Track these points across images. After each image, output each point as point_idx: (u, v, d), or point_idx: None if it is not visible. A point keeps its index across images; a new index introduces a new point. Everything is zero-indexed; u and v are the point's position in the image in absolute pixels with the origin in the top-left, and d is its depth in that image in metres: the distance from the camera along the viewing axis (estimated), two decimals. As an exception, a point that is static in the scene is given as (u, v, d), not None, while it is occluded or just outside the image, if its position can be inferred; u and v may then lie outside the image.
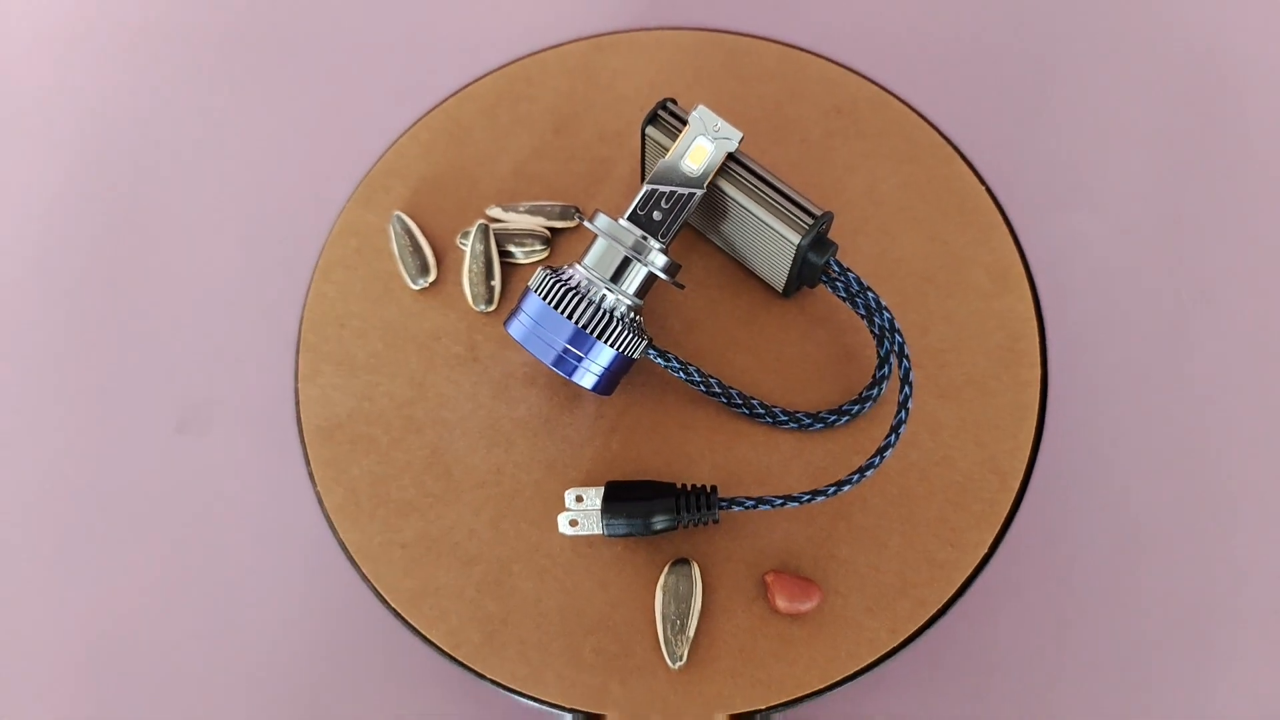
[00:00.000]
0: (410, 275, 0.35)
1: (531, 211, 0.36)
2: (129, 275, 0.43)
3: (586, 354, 0.31)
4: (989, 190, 0.37)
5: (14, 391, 0.41)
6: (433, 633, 0.31)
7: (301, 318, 0.35)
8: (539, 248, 0.36)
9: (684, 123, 0.33)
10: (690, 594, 0.31)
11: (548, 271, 0.32)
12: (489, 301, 0.35)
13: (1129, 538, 0.37)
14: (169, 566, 0.38)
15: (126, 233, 0.44)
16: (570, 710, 0.31)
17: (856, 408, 0.33)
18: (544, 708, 0.31)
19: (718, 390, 0.33)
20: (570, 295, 0.31)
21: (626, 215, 0.32)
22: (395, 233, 0.36)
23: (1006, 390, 0.34)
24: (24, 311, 0.43)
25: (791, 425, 0.33)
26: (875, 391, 0.33)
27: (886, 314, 0.32)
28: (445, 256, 0.36)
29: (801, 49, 0.39)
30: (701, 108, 0.32)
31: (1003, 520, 0.33)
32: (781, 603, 0.31)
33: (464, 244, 0.36)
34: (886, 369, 0.33)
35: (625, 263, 0.31)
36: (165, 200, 0.44)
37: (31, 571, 0.38)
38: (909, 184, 0.37)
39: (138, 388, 0.41)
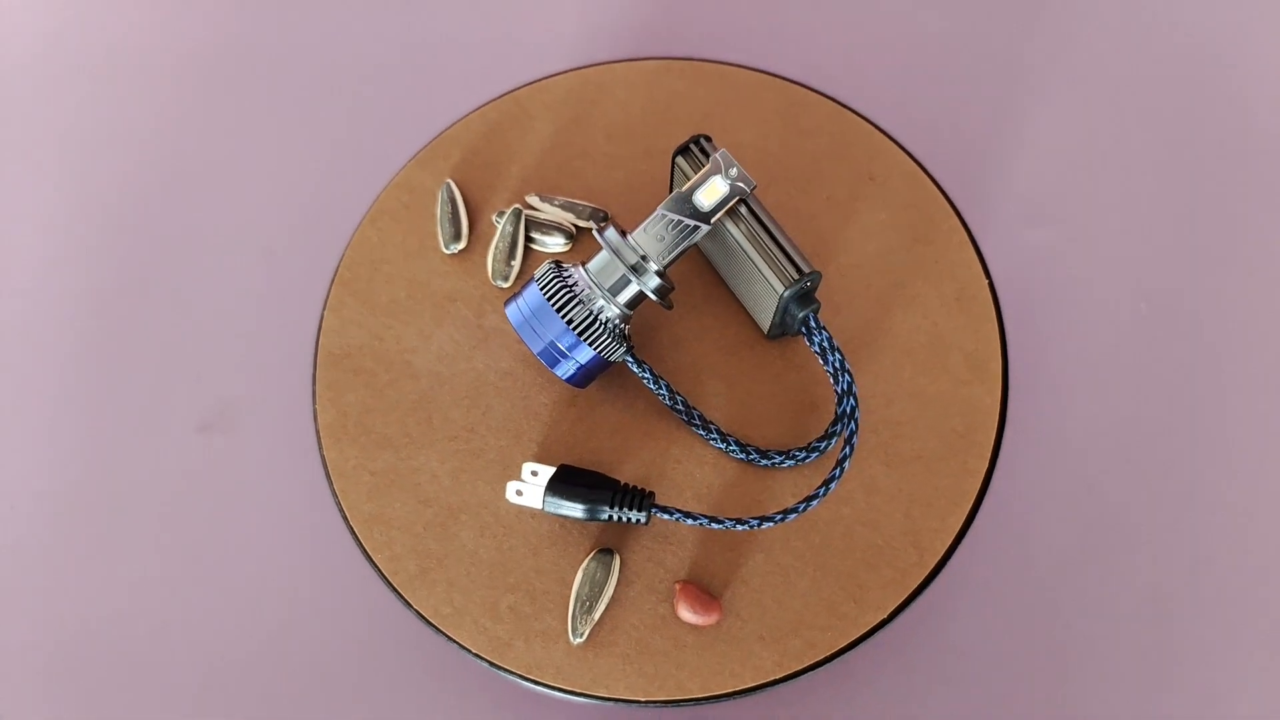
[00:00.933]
0: (444, 239, 0.39)
1: (564, 207, 0.39)
2: (161, 275, 0.45)
3: (569, 351, 0.34)
4: (991, 285, 0.38)
5: (49, 385, 0.44)
6: (377, 556, 0.35)
7: (343, 255, 0.39)
8: (562, 241, 0.39)
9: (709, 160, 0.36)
10: (605, 582, 0.35)
11: (553, 267, 0.35)
12: (505, 279, 0.38)
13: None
14: (183, 559, 0.41)
15: (165, 233, 0.46)
16: (476, 655, 0.34)
17: (803, 455, 0.36)
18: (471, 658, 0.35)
19: (681, 407, 0.36)
20: (566, 295, 0.34)
21: (634, 233, 0.35)
22: (442, 198, 0.39)
23: (951, 474, 0.36)
24: (56, 305, 0.45)
25: (740, 456, 0.36)
26: (824, 445, 0.36)
27: (848, 377, 0.35)
28: (478, 229, 0.39)
29: (854, 110, 0.41)
30: (724, 151, 0.34)
31: (910, 591, 0.35)
32: (684, 611, 0.34)
33: (497, 222, 0.39)
34: (839, 426, 0.35)
35: (623, 277, 0.34)
36: (197, 201, 0.46)
37: (53, 567, 0.41)
38: (918, 262, 0.39)
39: (164, 385, 0.43)
